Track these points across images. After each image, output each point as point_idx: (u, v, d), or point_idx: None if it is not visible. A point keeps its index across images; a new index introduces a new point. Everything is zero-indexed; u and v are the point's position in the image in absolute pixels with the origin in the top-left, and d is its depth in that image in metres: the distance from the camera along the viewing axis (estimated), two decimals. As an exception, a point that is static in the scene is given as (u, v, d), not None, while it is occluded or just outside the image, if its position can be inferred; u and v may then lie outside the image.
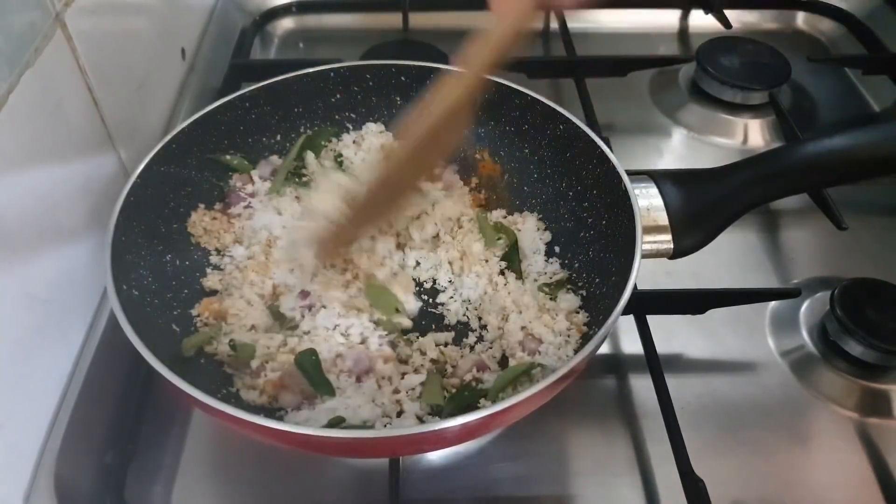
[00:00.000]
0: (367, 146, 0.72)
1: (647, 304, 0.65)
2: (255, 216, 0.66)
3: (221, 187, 0.68)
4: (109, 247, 0.53)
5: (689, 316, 0.66)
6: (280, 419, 0.52)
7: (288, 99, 0.70)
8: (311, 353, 0.55)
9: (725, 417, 0.62)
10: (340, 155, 0.72)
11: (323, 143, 0.72)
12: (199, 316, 0.59)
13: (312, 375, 0.54)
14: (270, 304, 0.61)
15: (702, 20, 1.06)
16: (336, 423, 0.51)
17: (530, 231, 0.66)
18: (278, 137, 0.72)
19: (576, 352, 0.56)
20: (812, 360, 0.65)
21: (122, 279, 0.52)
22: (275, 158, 0.71)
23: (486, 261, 0.65)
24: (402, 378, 0.56)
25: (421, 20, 1.03)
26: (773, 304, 0.70)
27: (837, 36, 1.06)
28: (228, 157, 0.68)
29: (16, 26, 0.52)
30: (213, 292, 0.62)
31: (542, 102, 0.66)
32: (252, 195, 0.67)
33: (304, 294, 0.60)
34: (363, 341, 0.58)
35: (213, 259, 0.64)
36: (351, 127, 0.74)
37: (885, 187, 0.82)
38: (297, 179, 0.69)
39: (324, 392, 0.54)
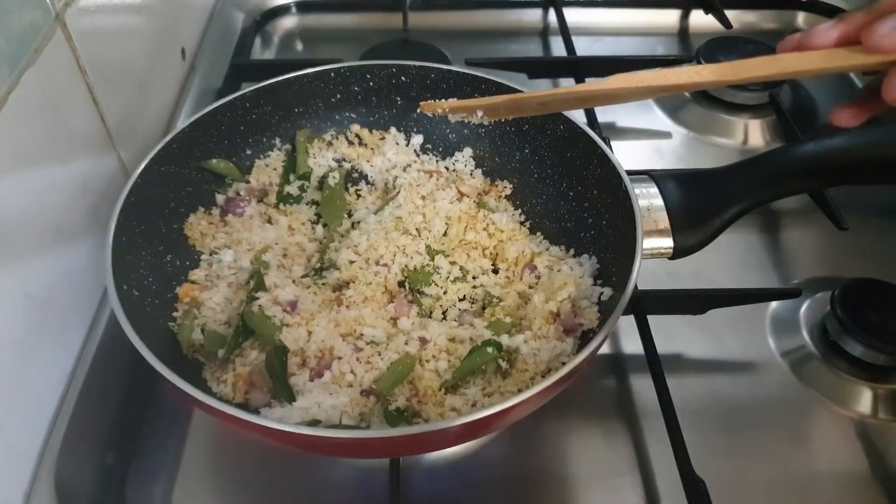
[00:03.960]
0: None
1: (648, 304, 0.65)
2: (246, 224, 0.66)
3: (221, 191, 0.68)
4: (109, 247, 0.53)
5: (689, 316, 0.66)
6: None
7: (288, 99, 0.70)
8: (282, 352, 0.55)
9: (726, 417, 0.62)
10: (343, 159, 0.73)
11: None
12: (178, 301, 0.60)
13: (278, 378, 0.54)
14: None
15: (702, 20, 1.06)
16: (312, 423, 0.51)
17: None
18: (278, 138, 0.72)
19: (576, 352, 0.56)
20: (812, 360, 0.65)
21: (122, 279, 0.52)
22: (271, 160, 0.71)
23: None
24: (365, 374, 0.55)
25: (421, 20, 1.03)
26: (773, 304, 0.70)
27: (837, 36, 1.06)
28: (215, 161, 0.67)
29: (16, 26, 0.52)
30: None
31: (543, 102, 0.66)
32: (248, 202, 0.67)
33: (293, 305, 0.59)
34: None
35: (205, 259, 0.64)
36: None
37: (885, 187, 0.82)
38: (292, 199, 0.69)
39: (283, 397, 0.54)
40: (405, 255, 0.63)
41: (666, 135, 0.91)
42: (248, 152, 0.70)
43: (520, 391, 0.47)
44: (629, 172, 0.58)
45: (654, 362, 0.61)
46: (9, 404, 0.51)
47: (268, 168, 0.71)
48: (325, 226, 0.68)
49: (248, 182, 0.69)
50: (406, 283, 0.62)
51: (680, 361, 0.66)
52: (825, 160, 0.59)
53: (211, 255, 0.64)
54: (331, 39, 1.07)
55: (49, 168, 0.56)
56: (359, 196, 0.71)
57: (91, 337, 0.61)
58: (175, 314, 0.59)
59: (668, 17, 1.09)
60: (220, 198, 0.67)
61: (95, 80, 0.63)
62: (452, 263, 0.64)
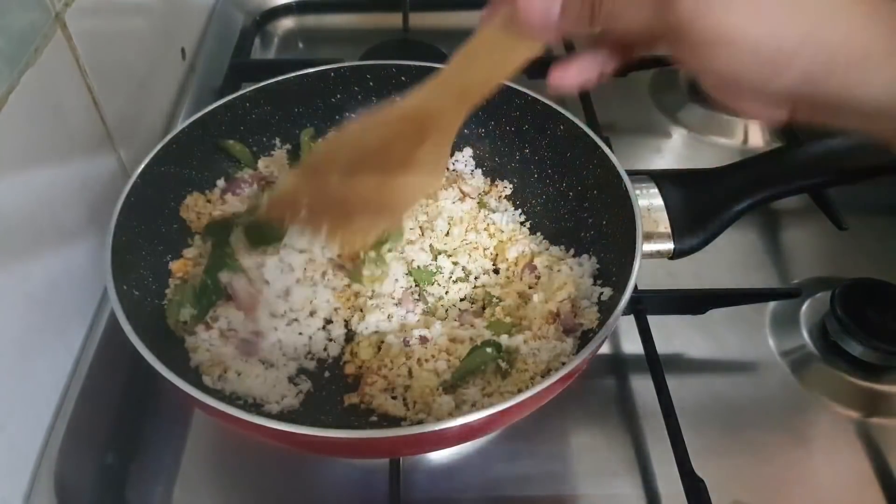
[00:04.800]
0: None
1: (648, 304, 0.65)
2: (244, 202, 0.66)
3: (233, 174, 0.68)
4: (109, 247, 0.53)
5: (689, 316, 0.66)
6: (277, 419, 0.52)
7: (288, 99, 0.70)
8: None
9: (726, 417, 0.62)
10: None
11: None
12: (171, 276, 0.60)
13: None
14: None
15: (702, 20, 1.06)
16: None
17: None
18: (278, 138, 0.72)
19: (576, 352, 0.56)
20: (812, 360, 0.65)
21: (122, 279, 0.52)
22: (271, 160, 0.71)
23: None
24: None
25: (421, 20, 1.03)
26: (773, 304, 0.70)
27: (837, 36, 1.06)
28: (231, 142, 0.67)
29: (16, 26, 0.52)
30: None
31: (543, 102, 0.66)
32: (249, 183, 0.67)
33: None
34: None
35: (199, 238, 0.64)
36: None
37: (885, 187, 0.82)
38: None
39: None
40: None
41: (666, 135, 0.91)
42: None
43: (519, 391, 0.47)
44: (629, 172, 0.58)
45: (654, 362, 0.61)
46: (9, 404, 0.51)
47: (268, 168, 0.70)
48: (324, 226, 0.68)
49: (257, 170, 0.69)
50: (412, 281, 0.63)
51: (680, 361, 0.66)
52: (825, 160, 0.59)
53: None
54: (331, 39, 1.07)
55: (49, 168, 0.56)
56: (359, 196, 0.71)
57: (91, 337, 0.61)
58: (166, 290, 0.59)
59: (668, 17, 1.09)
60: (220, 182, 0.67)
61: (95, 80, 0.63)
62: (455, 264, 0.64)
